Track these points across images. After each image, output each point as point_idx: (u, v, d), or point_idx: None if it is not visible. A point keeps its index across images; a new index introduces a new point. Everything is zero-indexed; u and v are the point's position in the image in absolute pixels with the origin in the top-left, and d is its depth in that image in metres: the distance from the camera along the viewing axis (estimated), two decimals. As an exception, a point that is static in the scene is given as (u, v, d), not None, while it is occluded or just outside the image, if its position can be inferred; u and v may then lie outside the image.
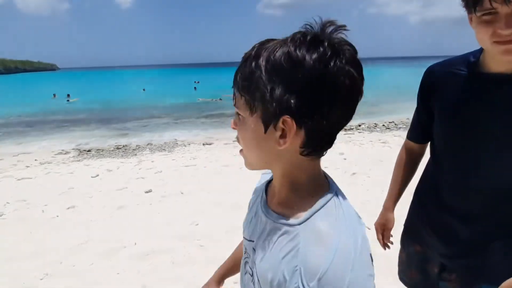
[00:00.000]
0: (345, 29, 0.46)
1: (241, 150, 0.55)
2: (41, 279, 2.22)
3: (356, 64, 0.45)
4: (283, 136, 0.46)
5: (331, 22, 0.45)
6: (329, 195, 0.49)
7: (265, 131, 0.47)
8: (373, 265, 0.46)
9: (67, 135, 9.44)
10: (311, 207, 0.48)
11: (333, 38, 0.45)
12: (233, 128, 0.54)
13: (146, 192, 3.78)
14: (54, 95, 22.01)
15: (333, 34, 0.45)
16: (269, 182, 0.62)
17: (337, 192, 0.51)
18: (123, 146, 7.56)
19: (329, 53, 0.43)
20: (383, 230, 1.19)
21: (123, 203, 3.46)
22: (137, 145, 7.63)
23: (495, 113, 0.82)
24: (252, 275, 0.56)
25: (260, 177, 0.70)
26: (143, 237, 2.71)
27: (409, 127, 1.13)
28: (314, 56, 0.43)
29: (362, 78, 0.46)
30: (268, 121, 0.46)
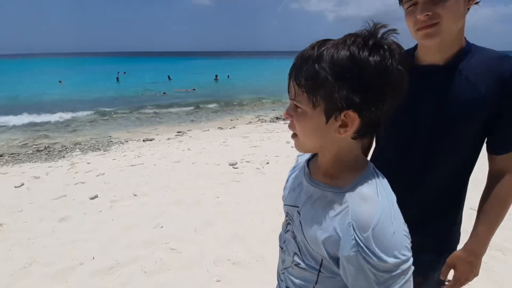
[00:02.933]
0: (396, 33, 0.54)
1: (294, 135, 0.62)
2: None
3: (405, 63, 0.54)
4: (343, 125, 0.55)
5: (383, 25, 0.53)
6: (368, 170, 0.60)
7: (326, 122, 0.55)
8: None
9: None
10: (356, 178, 0.58)
11: (387, 40, 0.52)
12: (286, 118, 0.62)
13: (92, 198, 3.36)
14: None
15: (386, 36, 0.52)
16: (309, 160, 0.72)
17: (373, 167, 0.62)
18: (45, 148, 6.51)
19: (388, 56, 0.51)
20: None
21: (65, 214, 3.01)
22: (62, 146, 6.66)
23: (427, 103, 0.86)
24: (294, 234, 0.67)
25: (297, 158, 0.81)
26: (102, 249, 2.43)
27: None
28: (376, 58, 0.51)
29: (408, 73, 0.55)
30: (331, 114, 0.54)
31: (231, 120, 9.92)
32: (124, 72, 30.79)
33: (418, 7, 0.78)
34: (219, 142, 5.94)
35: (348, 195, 0.56)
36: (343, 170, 0.61)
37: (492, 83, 0.79)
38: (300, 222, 0.65)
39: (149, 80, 23.64)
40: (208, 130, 8.26)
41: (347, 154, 0.61)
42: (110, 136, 7.69)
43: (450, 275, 0.97)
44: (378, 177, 0.59)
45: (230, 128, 8.34)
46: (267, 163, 4.42)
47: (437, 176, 0.91)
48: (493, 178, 0.89)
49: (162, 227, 2.73)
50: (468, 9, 0.82)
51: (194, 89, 17.66)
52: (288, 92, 0.60)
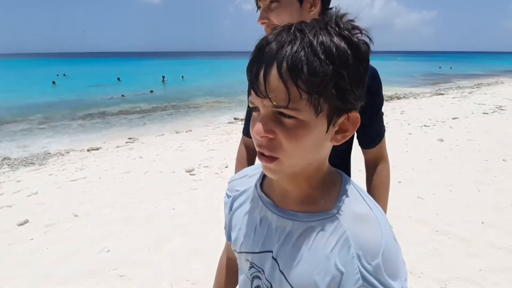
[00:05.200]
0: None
1: (272, 159, 0.44)
2: None
3: None
4: (342, 131, 0.45)
5: (346, 16, 0.44)
6: (344, 179, 0.50)
7: (327, 130, 0.44)
8: None
9: None
10: (338, 194, 0.48)
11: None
12: (265, 137, 0.43)
13: (20, 224, 2.85)
14: None
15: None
16: (261, 185, 0.57)
17: (343, 173, 0.52)
18: (-38, 166, 5.50)
19: (364, 41, 0.43)
20: None
21: (-16, 248, 2.50)
22: (-15, 163, 5.69)
23: None
24: None
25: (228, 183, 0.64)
26: (34, 286, 2.03)
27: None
28: (367, 50, 0.43)
29: None
30: (333, 119, 0.43)
31: (187, 122, 9.50)
32: (64, 74, 28.09)
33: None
34: (175, 147, 5.59)
35: (341, 219, 0.46)
36: (322, 188, 0.49)
37: None
38: (282, 272, 0.49)
39: (96, 82, 21.75)
40: (163, 134, 7.78)
41: (324, 166, 0.50)
42: (48, 148, 6.83)
43: None
44: (354, 184, 0.51)
45: (186, 132, 7.95)
46: (226, 166, 4.24)
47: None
48: (370, 168, 1.01)
49: (108, 251, 2.39)
50: None
51: (151, 91, 16.81)
52: (258, 95, 0.42)
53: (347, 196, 0.48)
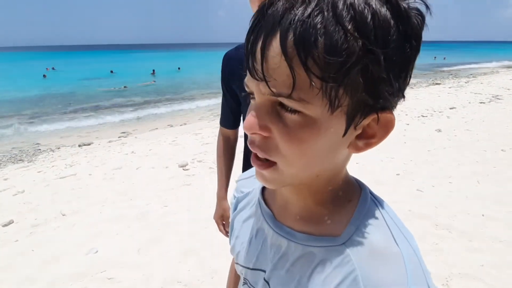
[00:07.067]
0: None
1: (266, 164, 0.34)
2: None
3: None
4: (365, 136, 0.33)
5: None
6: (364, 195, 0.38)
7: (345, 133, 0.32)
8: None
9: None
10: (352, 215, 0.36)
11: None
12: (257, 134, 0.33)
13: (5, 225, 2.73)
14: None
15: None
16: (262, 191, 0.46)
17: (368, 188, 0.39)
18: None
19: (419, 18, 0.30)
20: (223, 220, 1.22)
21: (-34, 251, 2.38)
22: (-28, 160, 5.52)
23: None
24: None
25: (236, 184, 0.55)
26: (15, 292, 1.93)
27: (220, 115, 1.18)
28: (421, 24, 0.29)
29: None
30: (355, 119, 0.31)
31: (182, 116, 9.34)
32: (53, 68, 27.55)
33: None
34: (168, 141, 5.45)
35: (350, 251, 0.34)
36: (331, 204, 0.38)
37: None
38: None
39: (89, 75, 21.33)
40: (157, 128, 7.64)
41: (338, 178, 0.38)
42: (38, 144, 6.65)
43: None
44: (381, 205, 0.37)
45: (180, 125, 7.81)
46: (221, 161, 4.13)
47: None
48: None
49: (96, 252, 2.29)
50: None
51: (154, 81, 16.80)
52: (252, 76, 0.31)
53: (363, 218, 0.36)
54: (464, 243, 2.15)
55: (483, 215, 2.47)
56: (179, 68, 25.30)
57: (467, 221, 2.40)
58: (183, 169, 3.90)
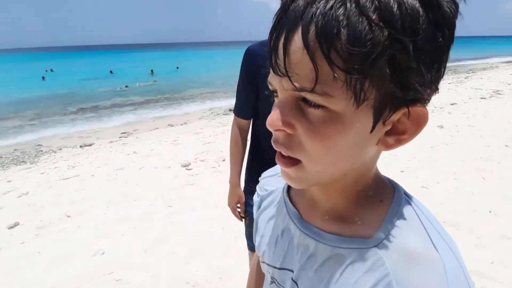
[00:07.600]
0: None
1: (291, 162, 0.33)
2: None
3: None
4: (395, 132, 0.32)
5: None
6: (397, 194, 0.36)
7: (373, 129, 0.30)
8: None
9: None
10: (385, 217, 0.34)
11: None
12: (280, 130, 0.32)
13: (10, 227, 2.72)
14: None
15: None
16: (288, 187, 0.46)
17: (403, 189, 0.38)
18: (-51, 166, 5.31)
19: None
20: (238, 206, 1.28)
21: (-29, 254, 2.37)
22: (-26, 163, 5.51)
23: None
24: None
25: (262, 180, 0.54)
26: (23, 295, 1.93)
27: (235, 105, 1.20)
28: (454, 12, 0.28)
29: None
30: (383, 113, 0.29)
31: (182, 115, 9.32)
32: (52, 70, 27.49)
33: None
34: (170, 141, 5.44)
35: (383, 255, 0.32)
36: (362, 204, 0.37)
37: None
38: None
39: (88, 76, 21.29)
40: (157, 128, 7.62)
41: (367, 177, 0.37)
42: (40, 145, 6.63)
43: None
44: (414, 203, 0.36)
45: (181, 125, 7.79)
46: (223, 160, 4.11)
47: None
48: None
49: (103, 253, 2.28)
50: None
51: (155, 81, 16.81)
52: (275, 72, 0.31)
53: (398, 220, 0.34)
54: (473, 240, 2.15)
55: (490, 212, 2.46)
56: (177, 68, 25.25)
57: (474, 218, 2.39)
58: (186, 169, 3.89)
